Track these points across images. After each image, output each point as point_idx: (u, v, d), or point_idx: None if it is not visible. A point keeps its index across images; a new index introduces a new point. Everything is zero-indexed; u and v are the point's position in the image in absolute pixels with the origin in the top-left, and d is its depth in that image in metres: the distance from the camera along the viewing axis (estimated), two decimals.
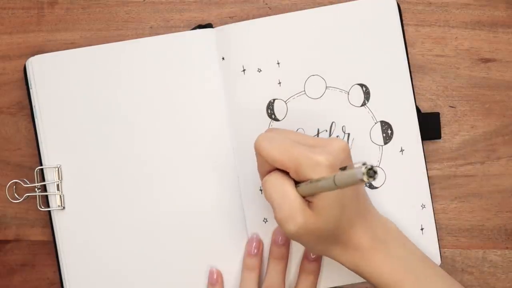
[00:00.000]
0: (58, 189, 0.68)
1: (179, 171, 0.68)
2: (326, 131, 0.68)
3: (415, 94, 0.69)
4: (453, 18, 0.70)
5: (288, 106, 0.68)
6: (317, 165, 0.55)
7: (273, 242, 0.68)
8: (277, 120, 0.68)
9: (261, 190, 0.68)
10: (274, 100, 0.68)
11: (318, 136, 0.68)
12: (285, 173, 0.58)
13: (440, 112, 0.70)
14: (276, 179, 0.58)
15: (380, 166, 0.68)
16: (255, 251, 0.68)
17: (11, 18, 0.71)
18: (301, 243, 0.60)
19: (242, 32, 0.68)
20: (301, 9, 0.69)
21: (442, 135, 0.70)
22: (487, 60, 0.70)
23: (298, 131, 0.68)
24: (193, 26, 0.70)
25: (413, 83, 0.69)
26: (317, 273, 0.68)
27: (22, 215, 0.71)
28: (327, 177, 0.52)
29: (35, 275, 0.72)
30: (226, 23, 0.70)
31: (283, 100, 0.68)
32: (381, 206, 0.68)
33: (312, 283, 0.68)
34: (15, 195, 0.70)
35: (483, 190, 0.70)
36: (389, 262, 0.60)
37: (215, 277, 0.68)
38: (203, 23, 0.70)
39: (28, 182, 0.70)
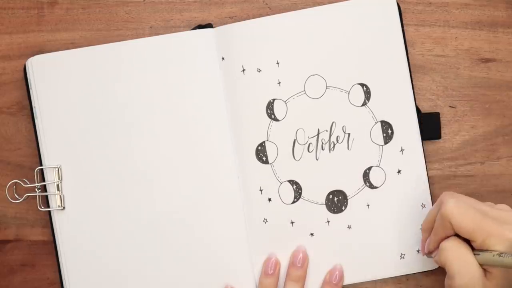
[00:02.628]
0: (58, 189, 0.68)
1: (179, 171, 0.68)
2: (327, 131, 0.68)
3: (415, 94, 0.69)
4: (453, 18, 0.70)
5: (288, 106, 0.68)
6: (507, 241, 0.56)
7: (292, 264, 0.69)
8: (277, 120, 0.68)
9: (261, 190, 0.69)
10: (274, 100, 0.68)
11: (318, 136, 0.68)
12: (465, 241, 0.59)
13: (440, 112, 0.70)
14: (458, 246, 0.59)
15: (380, 166, 0.68)
16: (271, 271, 0.68)
17: (11, 18, 0.71)
18: None
19: (242, 32, 0.68)
20: (301, 9, 0.69)
21: (442, 135, 0.70)
22: (487, 60, 0.70)
23: (298, 131, 0.68)
24: (193, 26, 0.70)
25: (413, 83, 0.69)
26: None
27: (22, 215, 0.71)
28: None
29: (35, 275, 0.71)
30: (226, 23, 0.70)
31: (283, 100, 0.68)
32: (381, 206, 0.68)
33: None
34: (15, 195, 0.70)
35: (483, 190, 0.70)
36: None
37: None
38: (203, 23, 0.70)
39: (28, 182, 0.70)
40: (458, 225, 0.58)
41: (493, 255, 0.56)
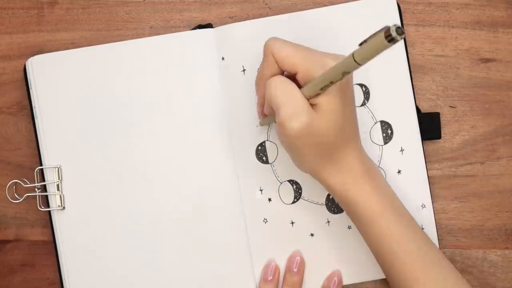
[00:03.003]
0: (58, 189, 0.68)
1: (179, 171, 0.69)
2: None
3: (415, 94, 0.69)
4: (453, 18, 0.70)
5: None
6: (326, 64, 0.55)
7: (288, 269, 0.69)
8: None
9: (261, 190, 0.69)
10: None
11: None
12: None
13: (440, 112, 0.70)
14: (281, 80, 0.57)
15: (380, 166, 0.68)
16: (271, 277, 0.68)
17: (11, 18, 0.71)
18: (297, 150, 0.58)
19: (242, 32, 0.68)
20: (301, 9, 0.70)
21: (442, 135, 0.70)
22: (487, 60, 0.70)
23: None
24: (193, 26, 0.70)
25: (413, 83, 0.69)
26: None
27: (22, 215, 0.71)
28: (344, 59, 0.50)
29: (35, 275, 0.71)
30: (226, 23, 0.70)
31: None
32: None
33: None
34: (15, 195, 0.70)
35: (483, 190, 0.70)
36: (377, 196, 0.60)
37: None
38: (203, 23, 0.70)
39: (28, 182, 0.70)
40: (281, 56, 0.57)
41: (316, 79, 0.54)
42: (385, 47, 0.45)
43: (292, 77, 0.57)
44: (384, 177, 0.68)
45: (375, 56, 0.47)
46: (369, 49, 0.46)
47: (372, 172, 0.61)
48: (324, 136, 0.56)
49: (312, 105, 0.56)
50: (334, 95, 0.55)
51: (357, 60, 0.48)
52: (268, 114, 0.62)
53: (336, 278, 0.69)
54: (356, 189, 0.59)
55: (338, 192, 0.60)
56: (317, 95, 0.55)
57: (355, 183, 0.59)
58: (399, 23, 0.68)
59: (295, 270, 0.68)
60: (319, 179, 0.60)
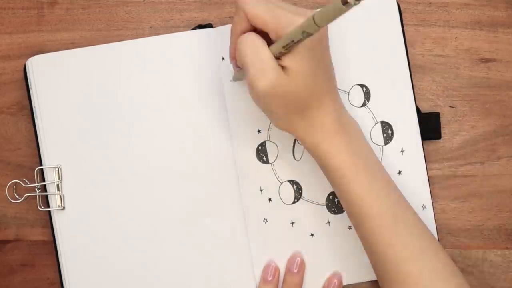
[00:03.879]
0: (58, 189, 0.68)
1: (179, 171, 0.68)
2: None
3: (415, 94, 0.69)
4: (453, 18, 0.71)
5: None
6: (296, 22, 0.54)
7: (288, 270, 0.69)
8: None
9: (261, 190, 0.69)
10: None
11: None
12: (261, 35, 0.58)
13: (440, 112, 0.70)
14: (251, 38, 0.57)
15: None
16: (271, 277, 0.68)
17: (11, 18, 0.71)
18: (269, 109, 0.59)
19: None
20: None
21: (442, 135, 0.70)
22: (487, 60, 0.70)
23: None
24: (193, 26, 0.70)
25: (413, 83, 0.69)
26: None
27: (22, 215, 0.71)
28: (305, 20, 0.51)
29: (35, 275, 0.71)
30: (226, 23, 0.70)
31: None
32: None
33: None
34: (15, 195, 0.70)
35: (483, 190, 0.70)
36: (348, 151, 0.59)
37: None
38: (203, 23, 0.70)
39: (28, 182, 0.70)
40: (250, 12, 0.57)
41: (283, 37, 0.54)
42: (341, 11, 0.46)
43: (266, 33, 0.57)
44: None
45: (332, 19, 0.48)
46: (327, 11, 0.48)
47: (349, 130, 0.60)
48: (292, 96, 0.57)
49: (282, 66, 0.56)
50: (302, 56, 0.55)
51: (316, 22, 0.49)
52: (238, 68, 0.63)
53: (336, 280, 0.69)
54: (327, 145, 0.59)
55: (310, 148, 0.60)
56: (284, 54, 0.55)
57: (326, 140, 0.59)
58: (398, 20, 0.68)
59: (295, 271, 0.68)
60: (293, 134, 0.61)
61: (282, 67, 0.56)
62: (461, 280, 0.59)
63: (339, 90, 0.68)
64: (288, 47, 0.54)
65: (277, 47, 0.55)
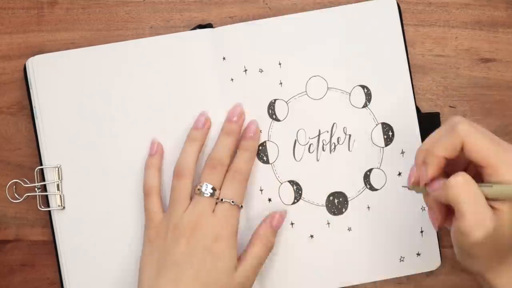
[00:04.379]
0: (58, 189, 0.68)
1: None
2: (327, 132, 0.68)
3: (415, 94, 0.69)
4: (453, 18, 0.70)
5: (289, 107, 0.68)
6: None
7: (227, 119, 0.67)
8: (278, 120, 0.68)
9: (261, 190, 0.69)
10: (275, 100, 0.68)
11: (319, 136, 0.68)
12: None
13: (440, 112, 0.70)
14: (468, 183, 0.53)
15: (381, 168, 0.69)
16: (201, 125, 0.67)
17: (11, 18, 0.71)
18: (476, 252, 0.55)
19: (244, 32, 0.68)
20: (301, 9, 0.69)
21: None
22: (487, 60, 0.70)
23: (299, 131, 0.68)
24: (193, 26, 0.70)
25: (413, 83, 0.69)
26: (254, 149, 0.68)
27: (22, 215, 0.71)
28: None
29: (35, 275, 0.71)
30: (226, 23, 0.70)
31: (284, 101, 0.68)
32: (382, 208, 0.68)
33: (249, 158, 0.67)
34: (15, 195, 0.70)
35: None
36: None
37: (155, 147, 0.68)
38: (203, 23, 0.70)
39: (28, 182, 0.70)
40: (473, 148, 0.53)
41: (501, 186, 0.52)
42: None
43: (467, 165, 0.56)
44: (385, 180, 0.68)
45: None
46: None
47: None
48: (502, 240, 0.54)
49: (492, 208, 0.54)
50: None
51: None
52: (437, 200, 0.58)
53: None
54: None
55: None
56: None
57: None
58: (398, 20, 0.68)
59: (235, 119, 0.67)
60: (486, 278, 0.57)
61: (492, 207, 0.53)
62: None
63: (340, 92, 0.68)
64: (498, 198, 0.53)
65: (501, 195, 0.53)
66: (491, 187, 0.53)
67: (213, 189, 0.64)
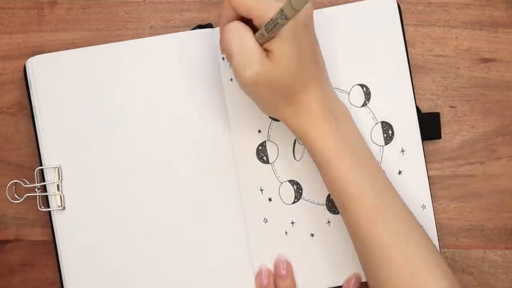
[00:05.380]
0: (58, 189, 0.68)
1: (179, 171, 0.68)
2: None
3: (415, 94, 0.69)
4: (453, 18, 0.71)
5: None
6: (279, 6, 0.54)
7: (277, 276, 0.69)
8: (277, 120, 0.68)
9: (261, 190, 0.69)
10: None
11: None
12: (246, 24, 0.59)
13: (440, 112, 0.70)
14: (237, 27, 0.58)
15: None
16: (266, 281, 0.68)
17: (11, 18, 0.71)
18: (256, 96, 0.60)
19: None
20: None
21: (442, 135, 0.70)
22: (487, 60, 0.70)
23: None
24: (193, 26, 0.70)
25: (413, 83, 0.69)
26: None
27: (22, 215, 0.71)
28: (284, 4, 0.52)
29: (35, 275, 0.72)
30: None
31: None
32: None
33: None
34: (15, 195, 0.70)
35: (483, 190, 0.70)
36: (335, 136, 0.60)
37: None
38: (203, 23, 0.70)
39: (28, 182, 0.70)
40: (236, 2, 0.58)
41: (265, 24, 0.55)
42: None
43: (251, 22, 0.58)
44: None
45: (304, 3, 0.50)
46: None
47: (337, 116, 0.61)
48: (277, 82, 0.57)
49: (266, 51, 0.57)
50: (285, 40, 0.56)
51: (292, 5, 0.50)
52: (227, 59, 0.62)
53: (354, 279, 0.69)
54: (314, 130, 0.60)
55: (297, 134, 0.61)
56: (270, 39, 0.56)
57: (312, 125, 0.60)
58: (398, 20, 0.68)
59: (284, 272, 0.68)
60: (281, 120, 0.61)
61: (267, 52, 0.57)
62: (445, 268, 0.59)
63: (339, 90, 0.68)
64: (271, 31, 0.55)
65: (261, 33, 0.56)
66: (258, 33, 0.57)
67: None
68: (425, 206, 0.68)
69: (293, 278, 0.69)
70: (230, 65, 0.59)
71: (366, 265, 0.61)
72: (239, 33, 0.57)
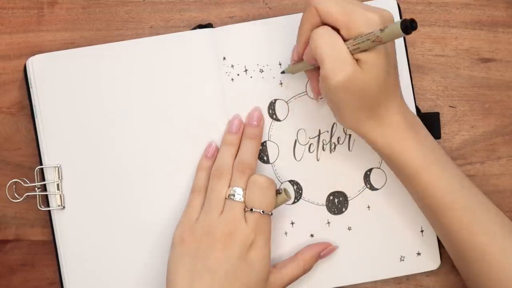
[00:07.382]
0: (58, 189, 0.68)
1: (179, 171, 0.68)
2: (328, 132, 0.68)
3: (415, 94, 0.69)
4: (453, 18, 0.71)
5: (290, 107, 0.68)
6: (369, 20, 0.55)
7: (248, 123, 0.68)
8: (278, 120, 0.68)
9: None
10: (275, 100, 0.68)
11: (319, 136, 0.68)
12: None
13: (440, 112, 0.70)
14: (328, 32, 0.57)
15: (381, 167, 0.69)
16: (235, 129, 0.68)
17: (11, 18, 0.71)
18: (342, 103, 0.59)
19: (244, 32, 0.68)
20: (301, 9, 0.69)
21: (442, 135, 0.70)
22: (487, 60, 0.70)
23: (299, 131, 0.68)
24: (193, 26, 0.70)
25: (413, 83, 0.69)
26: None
27: (22, 215, 0.71)
28: (376, 30, 0.53)
29: (35, 275, 0.72)
30: (226, 23, 0.70)
31: (284, 101, 0.68)
32: (382, 207, 0.68)
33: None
34: (15, 194, 0.70)
35: (483, 190, 0.69)
36: (419, 147, 0.60)
37: (212, 150, 0.68)
38: (203, 23, 0.70)
39: (28, 182, 0.70)
40: (324, 10, 0.57)
41: (356, 39, 0.55)
42: (400, 34, 0.51)
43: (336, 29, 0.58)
44: (385, 180, 0.68)
45: (394, 37, 0.53)
46: (392, 32, 0.52)
47: (415, 126, 0.61)
48: (366, 90, 0.57)
49: (356, 59, 0.56)
50: (379, 53, 0.56)
51: (382, 36, 0.53)
52: (309, 62, 0.61)
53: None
54: (398, 143, 0.60)
55: (380, 146, 0.61)
56: (358, 51, 0.56)
57: (396, 137, 0.60)
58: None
59: (255, 123, 0.68)
60: (360, 133, 0.61)
61: (356, 60, 0.56)
62: None
63: None
64: (360, 44, 0.55)
65: (353, 46, 0.56)
66: (347, 42, 0.57)
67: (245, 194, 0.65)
68: None
69: (261, 129, 0.68)
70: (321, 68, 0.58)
71: (464, 266, 0.63)
72: (331, 38, 0.57)
